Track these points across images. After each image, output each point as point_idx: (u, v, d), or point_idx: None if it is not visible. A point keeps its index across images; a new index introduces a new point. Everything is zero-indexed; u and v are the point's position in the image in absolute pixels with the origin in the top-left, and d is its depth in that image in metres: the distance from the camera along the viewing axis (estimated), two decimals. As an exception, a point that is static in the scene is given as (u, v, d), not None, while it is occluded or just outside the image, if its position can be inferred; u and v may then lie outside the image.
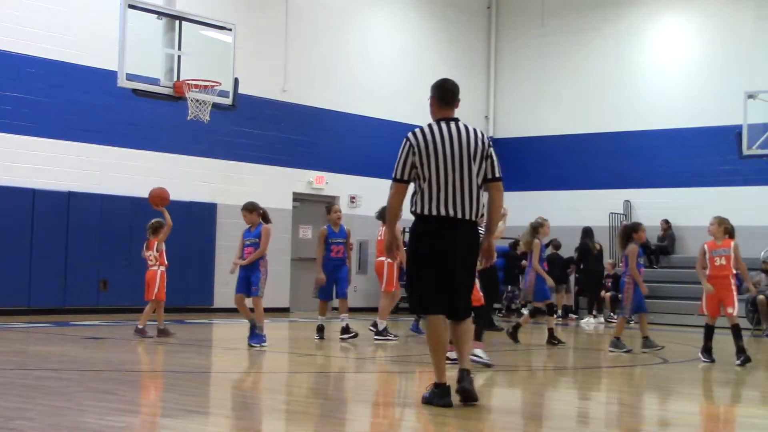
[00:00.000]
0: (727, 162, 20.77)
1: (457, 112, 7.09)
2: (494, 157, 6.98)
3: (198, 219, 18.16)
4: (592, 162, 23.08)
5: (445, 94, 7.08)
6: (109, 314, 16.46)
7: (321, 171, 20.55)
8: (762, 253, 18.73)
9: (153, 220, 12.87)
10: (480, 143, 6.93)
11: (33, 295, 15.99)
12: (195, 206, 17.99)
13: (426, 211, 6.86)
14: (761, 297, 17.16)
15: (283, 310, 19.34)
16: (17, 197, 15.87)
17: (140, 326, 12.33)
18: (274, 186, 19.45)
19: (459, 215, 6.85)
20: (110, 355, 10.84)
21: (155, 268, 12.67)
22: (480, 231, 7.20)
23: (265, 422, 6.79)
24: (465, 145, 6.86)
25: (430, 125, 6.97)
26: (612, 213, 22.18)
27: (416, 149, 6.86)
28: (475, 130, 7.00)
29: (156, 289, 12.58)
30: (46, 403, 6.84)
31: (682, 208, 21.51)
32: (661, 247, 21.46)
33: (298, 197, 20.24)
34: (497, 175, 6.96)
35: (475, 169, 6.87)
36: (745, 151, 19.07)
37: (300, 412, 7.16)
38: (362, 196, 21.10)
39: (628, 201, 22.39)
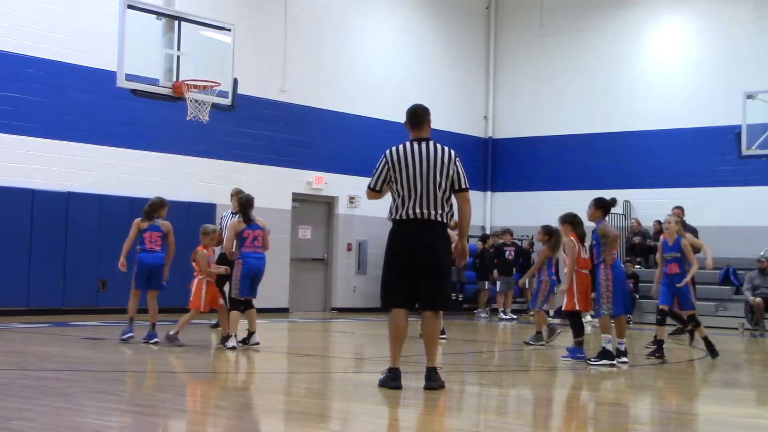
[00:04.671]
0: (726, 162, 20.77)
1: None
2: (460, 171, 7.99)
3: (197, 219, 18.02)
4: (591, 162, 23.06)
5: (410, 117, 8.13)
6: (108, 314, 16.43)
7: (320, 171, 20.53)
8: (761, 253, 18.72)
9: None
10: (446, 160, 7.93)
11: (32, 296, 15.98)
12: (194, 206, 17.98)
13: (398, 216, 7.94)
14: (758, 300, 17.17)
15: (282, 311, 19.33)
16: (16, 197, 15.85)
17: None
18: (273, 186, 19.43)
19: (425, 216, 7.86)
20: (109, 355, 10.83)
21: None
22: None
23: (264, 422, 6.78)
24: (432, 161, 7.90)
25: (404, 144, 8.02)
26: (611, 213, 22.13)
27: (390, 165, 7.96)
28: (443, 149, 7.98)
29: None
30: (44, 404, 6.83)
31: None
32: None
33: (297, 197, 20.22)
34: (462, 186, 8.00)
35: (439, 180, 7.88)
36: (745, 152, 19.05)
37: (299, 413, 7.15)
38: (361, 197, 21.07)
39: (627, 201, 22.37)
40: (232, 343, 11.24)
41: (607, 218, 11.14)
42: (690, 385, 10.09)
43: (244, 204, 11.61)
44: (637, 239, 21.56)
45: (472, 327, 17.94)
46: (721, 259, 20.54)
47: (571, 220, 11.48)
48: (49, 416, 6.36)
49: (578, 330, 11.36)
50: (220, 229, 12.91)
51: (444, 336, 13.33)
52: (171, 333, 11.61)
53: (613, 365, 10.54)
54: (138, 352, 11.06)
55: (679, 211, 17.18)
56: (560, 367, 10.72)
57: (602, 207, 10.99)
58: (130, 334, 11.82)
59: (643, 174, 22.29)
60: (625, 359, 10.75)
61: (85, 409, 6.78)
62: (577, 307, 11.26)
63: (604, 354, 10.64)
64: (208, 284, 11.58)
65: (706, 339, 11.88)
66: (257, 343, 11.54)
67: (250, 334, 11.57)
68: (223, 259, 12.62)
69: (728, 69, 21.27)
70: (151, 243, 11.96)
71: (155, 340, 11.59)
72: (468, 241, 8.45)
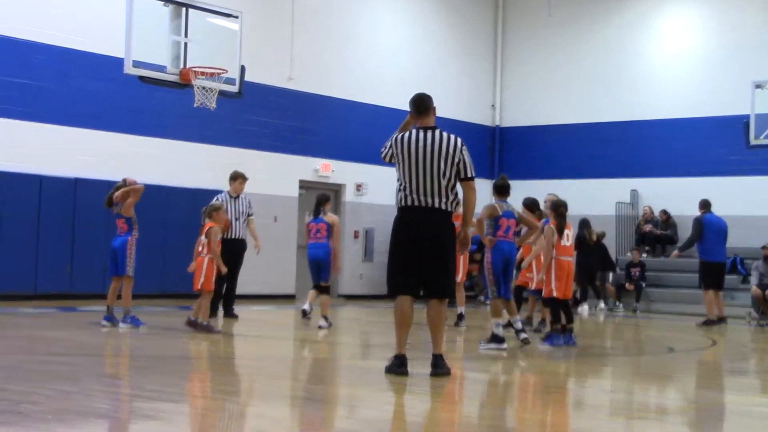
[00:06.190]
0: (734, 152, 20.71)
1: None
2: (466, 160, 7.99)
3: (204, 206, 18.11)
4: (598, 151, 23.02)
5: (415, 105, 8.17)
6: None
7: (327, 159, 20.54)
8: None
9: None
10: (451, 149, 7.94)
11: (40, 281, 16.03)
12: (201, 193, 17.93)
13: (401, 203, 8.02)
14: (757, 290, 17.15)
15: (289, 297, 19.38)
16: (24, 184, 15.88)
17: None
18: (280, 173, 19.45)
19: (428, 204, 7.90)
20: (116, 340, 10.88)
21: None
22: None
23: (270, 408, 6.81)
24: (437, 150, 7.92)
25: (410, 132, 8.07)
26: (619, 202, 22.14)
27: (395, 150, 8.03)
28: (449, 137, 7.99)
29: None
30: (53, 388, 6.87)
31: (689, 197, 21.40)
32: (666, 236, 21.38)
33: (304, 185, 20.23)
34: (468, 175, 8.01)
35: (443, 168, 7.89)
36: (752, 141, 19.01)
37: (305, 398, 7.18)
38: (368, 184, 21.10)
39: (635, 190, 22.35)
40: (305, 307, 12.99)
41: (508, 199, 10.90)
42: (697, 374, 10.09)
43: (316, 200, 13.05)
44: (648, 227, 21.49)
45: (476, 315, 17.95)
46: (728, 249, 20.51)
47: (555, 208, 11.42)
48: (57, 400, 6.40)
49: (556, 317, 11.30)
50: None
51: (463, 322, 13.81)
52: (204, 323, 11.60)
53: (502, 349, 10.40)
54: (145, 338, 11.10)
55: (703, 209, 17.07)
56: (546, 353, 10.72)
57: (494, 187, 11.01)
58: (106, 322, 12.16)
59: (651, 163, 22.23)
60: (524, 336, 10.78)
61: (93, 394, 6.82)
62: (555, 294, 11.14)
63: (494, 338, 10.61)
64: (209, 262, 11.64)
65: (543, 320, 12.26)
66: (321, 327, 12.50)
67: (323, 316, 12.67)
68: (227, 246, 12.90)
69: (736, 59, 21.19)
70: (119, 229, 12.54)
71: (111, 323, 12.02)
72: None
